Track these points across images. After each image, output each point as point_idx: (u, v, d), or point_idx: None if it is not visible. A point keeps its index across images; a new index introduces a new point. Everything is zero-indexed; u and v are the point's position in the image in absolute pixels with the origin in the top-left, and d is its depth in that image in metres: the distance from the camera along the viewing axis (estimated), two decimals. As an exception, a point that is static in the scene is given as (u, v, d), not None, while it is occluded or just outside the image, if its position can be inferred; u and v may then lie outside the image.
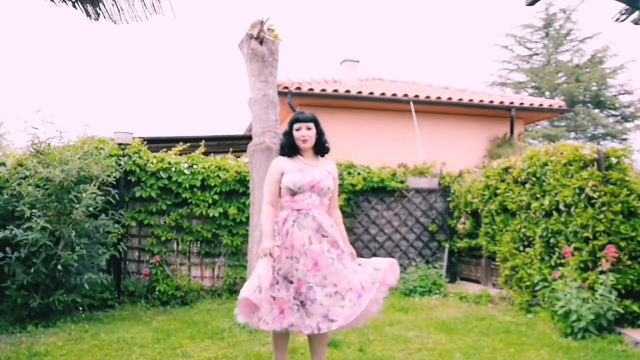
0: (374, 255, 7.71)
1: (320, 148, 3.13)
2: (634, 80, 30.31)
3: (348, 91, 10.65)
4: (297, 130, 3.06)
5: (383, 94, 10.76)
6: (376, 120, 11.15)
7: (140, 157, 6.58)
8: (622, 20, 3.46)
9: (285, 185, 2.99)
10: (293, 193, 2.97)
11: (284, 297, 2.84)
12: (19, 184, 5.28)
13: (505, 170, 6.21)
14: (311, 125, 3.07)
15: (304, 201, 2.96)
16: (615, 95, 22.08)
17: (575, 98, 21.45)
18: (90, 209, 5.32)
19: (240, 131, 13.94)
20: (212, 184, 6.83)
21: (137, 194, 6.56)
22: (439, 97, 11.05)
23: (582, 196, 4.83)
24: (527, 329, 4.80)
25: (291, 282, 2.86)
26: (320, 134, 3.11)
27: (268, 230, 2.94)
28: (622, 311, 4.39)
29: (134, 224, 6.57)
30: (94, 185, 5.30)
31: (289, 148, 3.10)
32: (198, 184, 6.78)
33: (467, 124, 11.71)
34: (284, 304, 2.83)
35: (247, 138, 6.78)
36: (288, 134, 3.12)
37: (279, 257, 2.88)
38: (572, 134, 22.16)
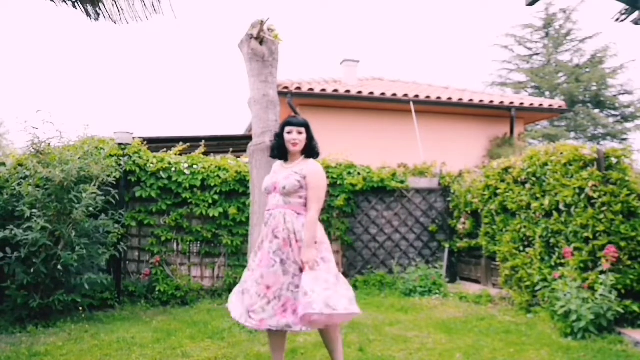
0: (374, 255, 7.72)
1: (310, 152, 3.23)
2: (634, 80, 30.25)
3: (348, 91, 10.65)
4: (288, 133, 3.17)
5: (383, 94, 10.76)
6: (376, 120, 11.15)
7: (140, 157, 6.58)
8: (622, 20, 3.46)
9: None
10: (266, 195, 3.20)
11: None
12: (19, 184, 5.28)
13: (505, 170, 6.21)
14: (302, 130, 3.17)
15: (271, 201, 3.15)
16: (615, 95, 22.06)
17: (575, 98, 21.45)
18: (90, 209, 5.32)
19: (240, 131, 13.96)
20: (212, 184, 6.83)
21: (137, 194, 6.56)
22: (439, 97, 11.05)
23: (582, 196, 4.82)
24: (527, 329, 4.80)
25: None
26: (310, 139, 3.20)
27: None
28: (622, 311, 4.39)
29: (134, 224, 6.57)
30: (94, 185, 5.31)
31: (278, 150, 3.25)
32: (198, 184, 6.77)
33: (467, 124, 11.71)
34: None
35: (247, 138, 6.78)
36: (279, 137, 3.23)
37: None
38: (572, 134, 22.16)
